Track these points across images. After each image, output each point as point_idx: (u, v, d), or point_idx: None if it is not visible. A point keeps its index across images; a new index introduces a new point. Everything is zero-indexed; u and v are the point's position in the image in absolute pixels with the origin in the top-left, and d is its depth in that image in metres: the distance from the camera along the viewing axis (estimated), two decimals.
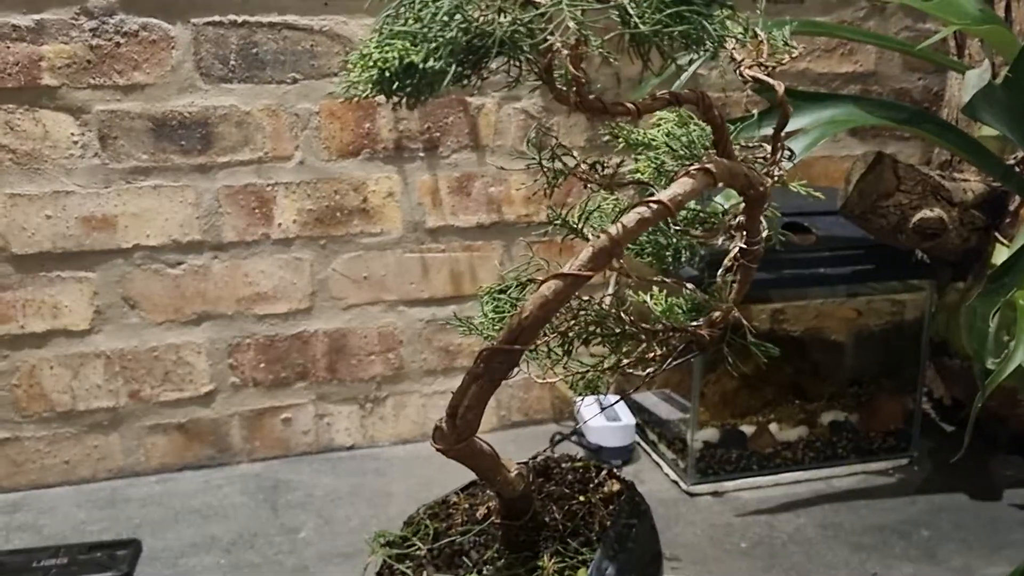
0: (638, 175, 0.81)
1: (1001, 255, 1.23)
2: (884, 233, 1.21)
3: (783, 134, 0.76)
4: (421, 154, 1.37)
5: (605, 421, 1.35)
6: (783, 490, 1.28)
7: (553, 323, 0.75)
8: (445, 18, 0.55)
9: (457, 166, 1.39)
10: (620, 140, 0.86)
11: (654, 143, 0.82)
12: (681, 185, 0.66)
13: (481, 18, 0.56)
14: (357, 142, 1.34)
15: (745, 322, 0.82)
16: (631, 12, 0.56)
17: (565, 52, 0.59)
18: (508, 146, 1.40)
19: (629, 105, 0.65)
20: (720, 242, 0.81)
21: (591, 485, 0.87)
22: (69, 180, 1.24)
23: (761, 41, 0.70)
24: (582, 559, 0.75)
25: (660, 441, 1.37)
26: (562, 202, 1.45)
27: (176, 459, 1.35)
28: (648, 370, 0.80)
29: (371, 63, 0.55)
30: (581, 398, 1.40)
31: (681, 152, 0.79)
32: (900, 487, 1.30)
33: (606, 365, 0.81)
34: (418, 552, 0.77)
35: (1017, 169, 1.26)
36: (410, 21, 0.57)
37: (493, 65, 0.59)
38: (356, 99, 0.58)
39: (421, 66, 0.54)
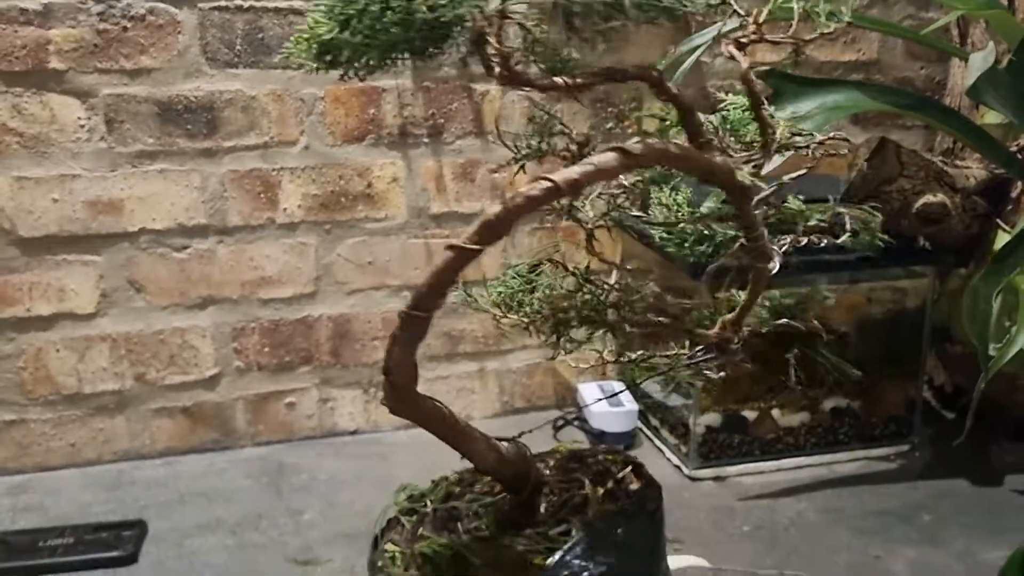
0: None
1: (1003, 242, 1.24)
2: (887, 219, 1.21)
3: (773, 117, 0.71)
4: (425, 140, 1.37)
5: (608, 407, 1.35)
6: (785, 475, 1.29)
7: (552, 307, 0.75)
8: None
9: (461, 152, 1.39)
10: (627, 125, 0.85)
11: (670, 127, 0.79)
12: (583, 165, 0.63)
13: None
14: (362, 128, 1.34)
15: (822, 333, 0.80)
16: None
17: (487, 24, 0.58)
18: (512, 132, 1.40)
19: (557, 80, 0.62)
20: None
21: (609, 478, 0.85)
22: (76, 164, 1.24)
23: (759, 15, 0.68)
24: (549, 547, 0.75)
25: (662, 426, 1.38)
26: None
27: (181, 442, 1.36)
28: (666, 366, 0.80)
29: (305, 37, 0.57)
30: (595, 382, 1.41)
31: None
32: (901, 473, 1.31)
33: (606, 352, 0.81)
34: (424, 509, 0.79)
35: (1020, 156, 1.26)
36: None
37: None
38: (306, 70, 0.59)
39: (332, 39, 0.56)
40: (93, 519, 1.17)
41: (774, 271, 0.74)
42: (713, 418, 1.29)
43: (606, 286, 0.79)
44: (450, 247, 0.64)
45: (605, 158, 0.63)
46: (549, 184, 0.61)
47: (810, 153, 0.73)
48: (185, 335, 1.33)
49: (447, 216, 1.40)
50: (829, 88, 1.18)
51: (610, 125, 1.45)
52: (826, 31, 0.68)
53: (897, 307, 1.37)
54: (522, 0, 0.57)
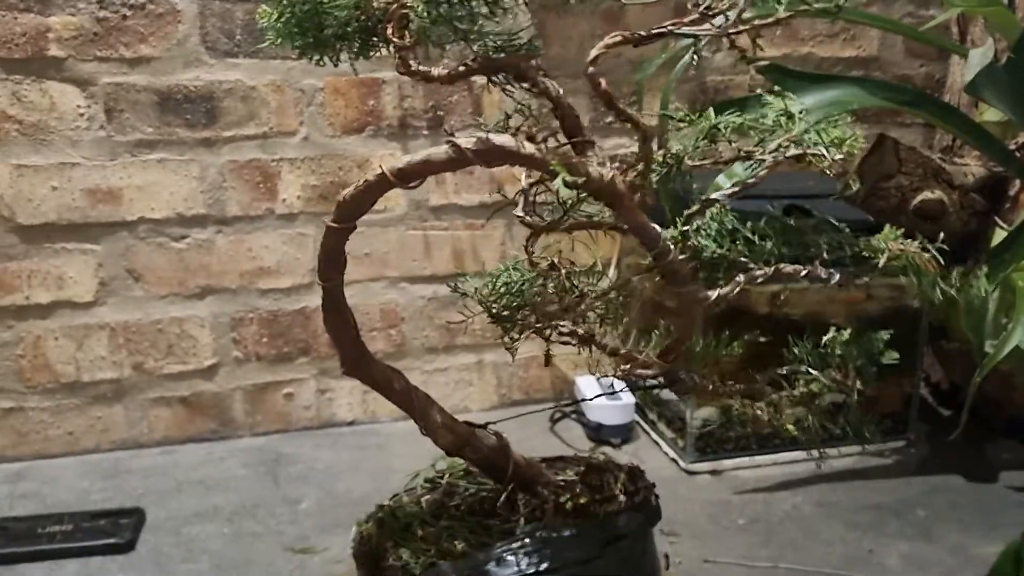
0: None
1: (1000, 239, 1.24)
2: (884, 215, 1.21)
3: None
4: (425, 132, 1.37)
5: (605, 400, 1.36)
6: (780, 469, 1.29)
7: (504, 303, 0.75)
8: None
9: None
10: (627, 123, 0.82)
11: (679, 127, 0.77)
12: (415, 157, 0.66)
13: None
14: (361, 119, 1.35)
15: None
16: None
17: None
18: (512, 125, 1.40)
19: (435, 72, 0.65)
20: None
21: (598, 493, 0.84)
22: (75, 152, 1.25)
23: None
24: (484, 541, 0.75)
25: (659, 420, 1.38)
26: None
27: (179, 432, 1.36)
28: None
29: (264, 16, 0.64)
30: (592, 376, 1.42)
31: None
32: (897, 468, 1.31)
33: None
34: (440, 481, 0.83)
35: (1018, 153, 1.27)
36: None
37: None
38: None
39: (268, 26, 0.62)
40: (91, 506, 1.18)
41: (710, 300, 0.70)
42: (710, 412, 1.30)
43: (561, 285, 0.76)
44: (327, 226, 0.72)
45: (437, 151, 0.66)
46: (379, 173, 0.67)
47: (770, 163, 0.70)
48: (183, 325, 1.34)
49: (446, 208, 1.41)
50: (828, 84, 1.19)
51: (610, 119, 1.45)
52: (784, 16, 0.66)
53: (895, 304, 1.37)
54: None
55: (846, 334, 0.76)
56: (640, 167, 0.67)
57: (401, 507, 0.82)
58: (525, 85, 0.66)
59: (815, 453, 0.81)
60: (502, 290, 0.72)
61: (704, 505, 1.20)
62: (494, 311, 0.72)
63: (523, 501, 0.81)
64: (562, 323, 0.73)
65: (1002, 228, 1.26)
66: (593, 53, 0.65)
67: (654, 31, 0.65)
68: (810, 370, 0.78)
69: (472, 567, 0.73)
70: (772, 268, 0.69)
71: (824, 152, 0.65)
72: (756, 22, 0.66)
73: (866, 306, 1.37)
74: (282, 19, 0.63)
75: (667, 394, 1.36)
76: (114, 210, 1.27)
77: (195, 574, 1.04)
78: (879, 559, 1.07)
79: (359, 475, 1.27)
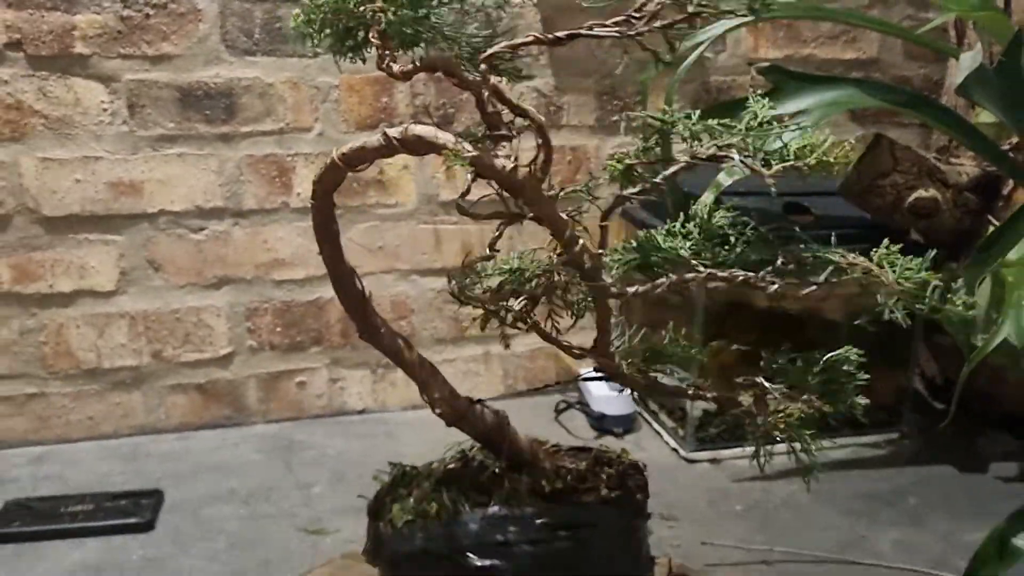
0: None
1: None
2: (880, 212, 1.25)
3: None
4: None
5: (608, 390, 1.40)
6: (778, 459, 1.33)
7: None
8: None
9: None
10: (635, 122, 0.84)
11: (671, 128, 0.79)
12: (356, 144, 0.72)
13: None
14: (374, 116, 1.39)
15: None
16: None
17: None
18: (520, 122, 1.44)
19: (396, 69, 0.69)
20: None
21: (583, 482, 0.85)
22: (98, 146, 1.29)
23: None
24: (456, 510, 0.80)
25: (661, 410, 1.42)
26: (571, 179, 1.50)
27: (195, 418, 1.41)
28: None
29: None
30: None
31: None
32: (891, 459, 1.35)
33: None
34: (449, 463, 0.86)
35: (1012, 154, 1.30)
36: None
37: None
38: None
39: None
40: (111, 488, 1.22)
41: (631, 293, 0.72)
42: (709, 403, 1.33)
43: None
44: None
45: (371, 139, 0.72)
46: (330, 159, 0.73)
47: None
48: (200, 314, 1.38)
49: (456, 203, 1.44)
50: (827, 85, 1.22)
51: (616, 118, 1.50)
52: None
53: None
54: None
55: (821, 362, 0.78)
56: (539, 161, 0.71)
57: (416, 469, 0.86)
58: (454, 80, 0.71)
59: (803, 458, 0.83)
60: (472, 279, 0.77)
61: (703, 492, 1.24)
62: (461, 299, 0.77)
63: (517, 480, 0.85)
64: (510, 307, 0.77)
65: (995, 226, 1.30)
66: (491, 50, 0.70)
67: (570, 32, 0.69)
68: (785, 390, 0.81)
69: (433, 528, 0.79)
70: (706, 272, 0.72)
71: (791, 162, 0.68)
72: (668, 19, 0.69)
73: (862, 300, 1.41)
74: (311, 20, 0.68)
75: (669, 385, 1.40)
76: (135, 202, 1.32)
77: (212, 552, 1.09)
78: (871, 544, 1.11)
79: (370, 461, 1.30)
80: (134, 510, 1.15)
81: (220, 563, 1.07)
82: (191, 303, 1.37)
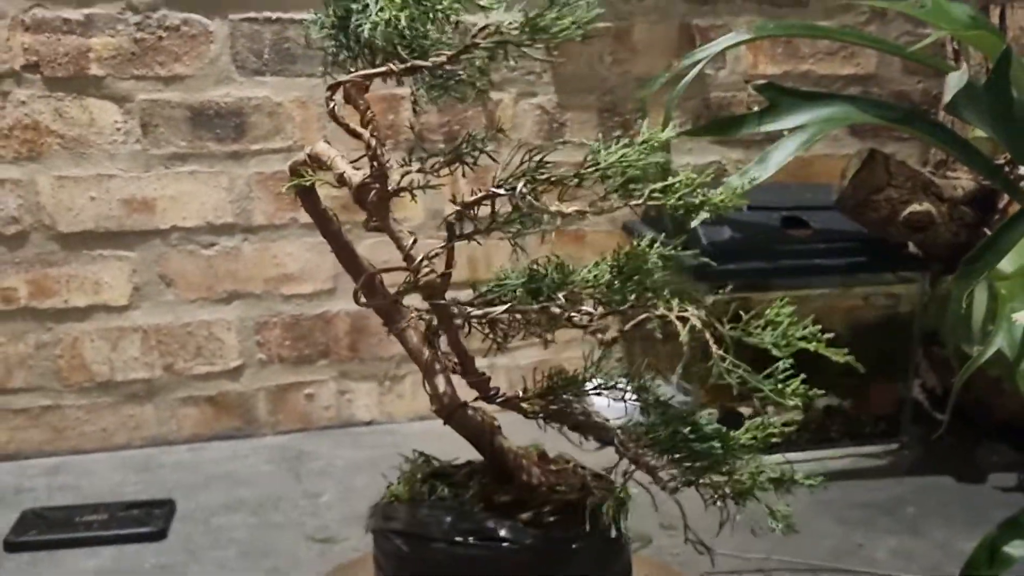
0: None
1: None
2: (876, 226, 1.28)
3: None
4: (441, 146, 1.44)
5: (609, 400, 1.42)
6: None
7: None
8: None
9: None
10: (633, 133, 0.86)
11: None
12: (299, 157, 0.81)
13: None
14: (380, 133, 1.41)
15: None
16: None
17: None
18: (524, 139, 1.48)
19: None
20: None
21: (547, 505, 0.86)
22: (112, 164, 1.33)
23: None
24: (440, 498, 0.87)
25: None
26: (574, 197, 1.52)
27: (206, 429, 1.44)
28: None
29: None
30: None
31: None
32: (889, 469, 1.37)
33: None
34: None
35: (1006, 169, 1.32)
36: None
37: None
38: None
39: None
40: (125, 498, 1.25)
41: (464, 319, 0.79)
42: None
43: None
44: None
45: (300, 155, 0.84)
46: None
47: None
48: (211, 328, 1.41)
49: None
50: (823, 102, 1.24)
51: (617, 133, 1.52)
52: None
53: (890, 311, 1.42)
54: None
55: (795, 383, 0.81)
56: (371, 177, 0.78)
57: (439, 462, 0.92)
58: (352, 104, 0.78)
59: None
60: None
61: (701, 500, 1.25)
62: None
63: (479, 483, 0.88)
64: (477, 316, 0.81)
65: None
66: (340, 79, 0.78)
67: (408, 66, 0.77)
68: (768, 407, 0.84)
69: (405, 514, 0.85)
70: (539, 305, 0.79)
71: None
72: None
73: (862, 313, 1.43)
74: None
75: (669, 396, 1.42)
76: (148, 219, 1.35)
77: (223, 560, 1.11)
78: (868, 552, 1.13)
79: (377, 472, 1.33)
80: (147, 519, 1.18)
81: (231, 571, 1.09)
82: (202, 317, 1.40)
